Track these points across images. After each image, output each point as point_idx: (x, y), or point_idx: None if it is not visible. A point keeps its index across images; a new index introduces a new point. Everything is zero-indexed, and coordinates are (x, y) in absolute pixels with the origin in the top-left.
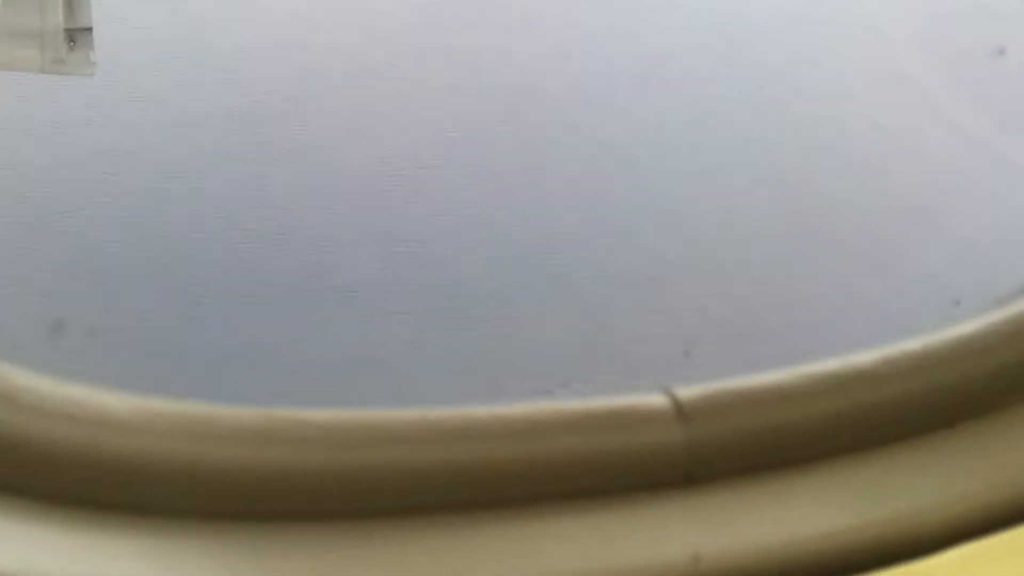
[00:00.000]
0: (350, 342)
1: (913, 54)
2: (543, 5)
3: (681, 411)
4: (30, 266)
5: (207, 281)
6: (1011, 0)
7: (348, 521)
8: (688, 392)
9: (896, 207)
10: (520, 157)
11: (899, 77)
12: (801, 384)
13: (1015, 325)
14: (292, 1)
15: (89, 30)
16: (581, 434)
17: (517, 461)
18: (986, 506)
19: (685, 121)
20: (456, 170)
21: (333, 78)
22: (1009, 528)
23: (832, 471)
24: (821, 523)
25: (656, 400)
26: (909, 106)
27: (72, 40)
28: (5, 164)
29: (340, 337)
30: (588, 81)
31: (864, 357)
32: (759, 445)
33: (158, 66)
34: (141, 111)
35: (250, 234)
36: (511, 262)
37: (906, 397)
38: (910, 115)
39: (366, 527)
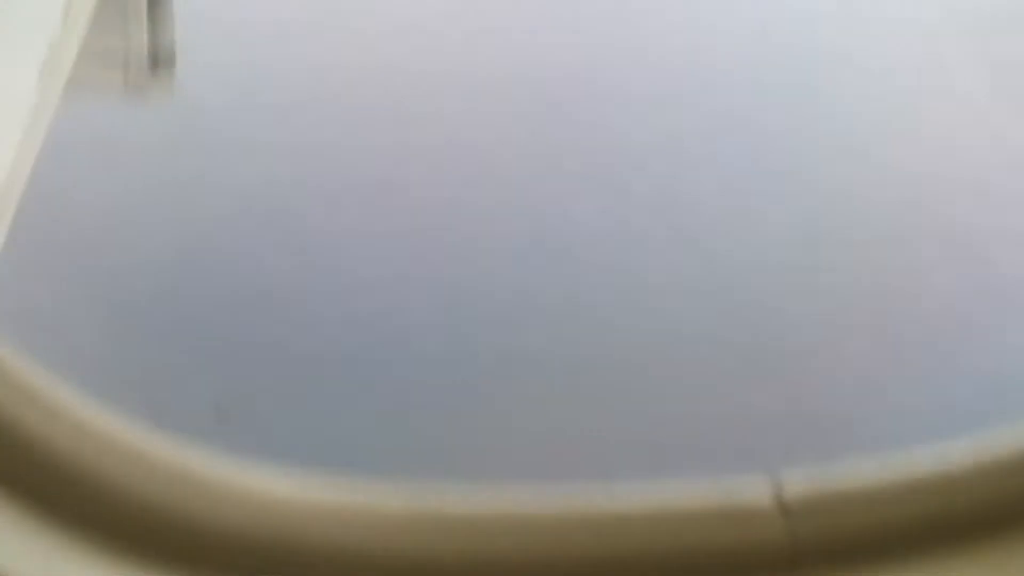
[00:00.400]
0: None
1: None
2: None
3: (785, 507)
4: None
5: None
6: None
7: None
8: (793, 486)
9: None
10: None
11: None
12: (899, 484)
13: None
14: None
15: (172, 54)
16: (692, 531)
17: (628, 556)
18: None
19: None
20: None
21: None
22: None
23: (931, 567)
24: None
25: (761, 492)
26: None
27: (155, 63)
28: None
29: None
30: None
31: (958, 454)
32: (861, 543)
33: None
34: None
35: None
36: None
37: (998, 498)
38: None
39: None
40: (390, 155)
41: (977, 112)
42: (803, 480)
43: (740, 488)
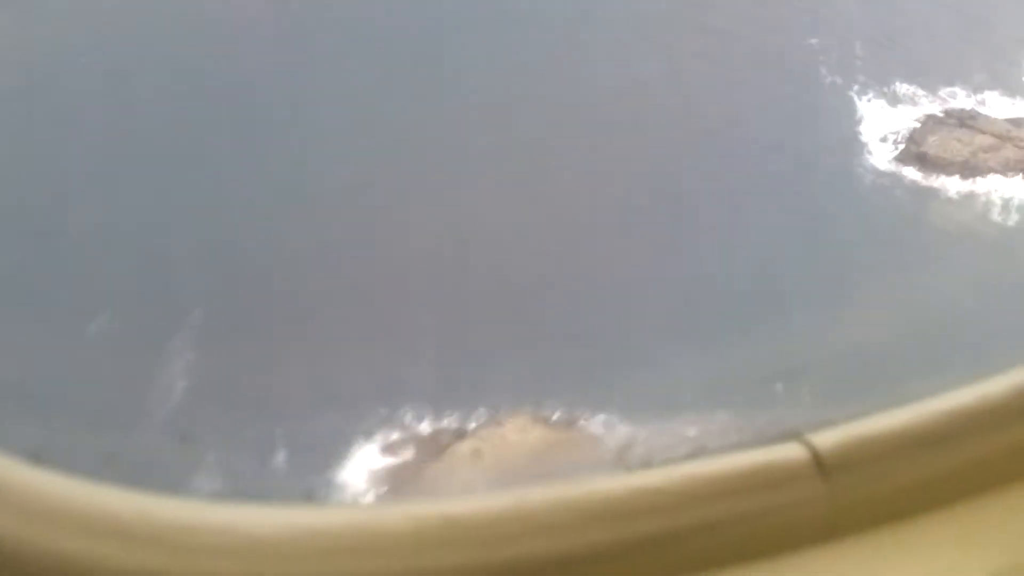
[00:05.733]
0: None
1: None
2: None
3: (822, 466)
4: None
5: None
6: None
7: None
8: (825, 442)
9: None
10: None
11: None
12: (935, 425)
13: None
14: None
15: None
16: (731, 499)
17: (677, 529)
18: None
19: None
20: None
21: None
22: None
23: (974, 513)
24: (969, 571)
25: (797, 454)
26: None
27: None
28: None
29: None
30: None
31: (995, 386)
32: (898, 494)
33: None
34: None
35: None
36: None
37: None
38: None
39: None
40: None
41: None
42: (835, 439)
43: (778, 452)
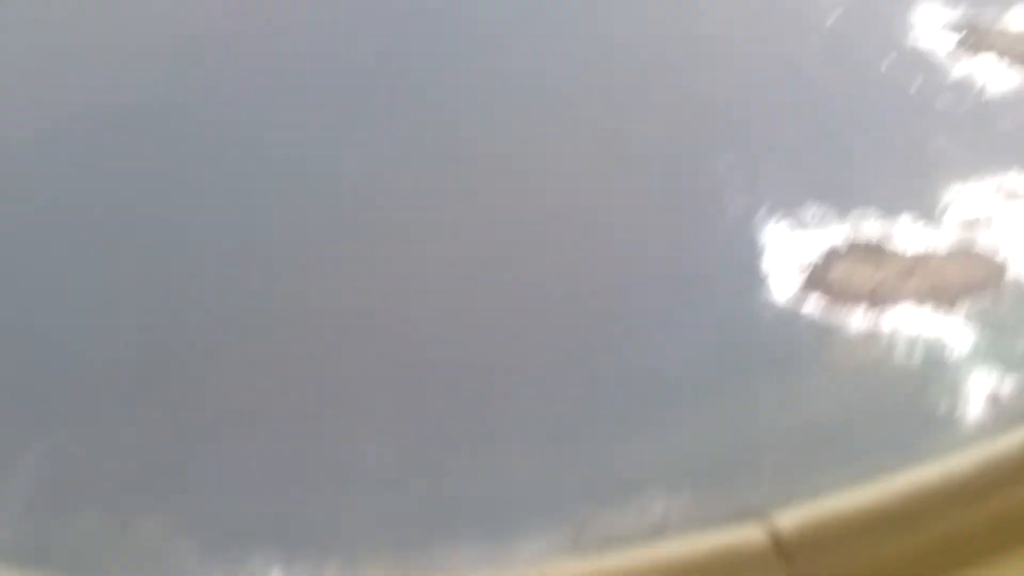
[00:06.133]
0: None
1: None
2: None
3: (782, 549)
4: None
5: None
6: None
7: None
8: (787, 524)
9: None
10: None
11: None
12: (900, 505)
13: None
14: None
15: None
16: None
17: None
18: None
19: None
20: None
21: None
22: None
23: None
24: None
25: (757, 537)
26: None
27: None
28: None
29: None
30: None
31: (961, 464)
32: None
33: None
34: None
35: None
36: None
37: (1012, 506)
38: None
39: None
40: None
41: None
42: (797, 519)
43: (737, 535)
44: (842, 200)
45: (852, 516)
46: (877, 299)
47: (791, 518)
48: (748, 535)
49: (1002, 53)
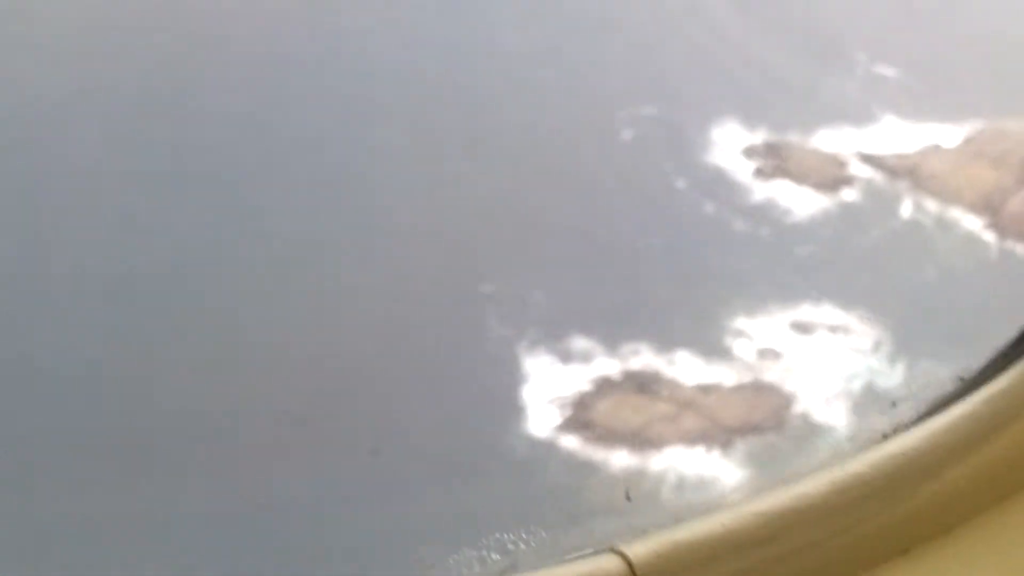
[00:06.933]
0: None
1: None
2: None
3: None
4: None
5: None
6: None
7: None
8: (638, 552)
9: None
10: None
11: None
12: (749, 527)
13: (956, 437)
14: None
15: None
16: None
17: None
18: None
19: None
20: None
21: None
22: None
23: None
24: None
25: (611, 564)
26: None
27: None
28: None
29: None
30: None
31: (812, 486)
32: None
33: None
34: None
35: None
36: None
37: (860, 527)
38: None
39: None
40: None
41: None
42: (649, 548)
43: (592, 564)
44: (618, 329)
45: (703, 542)
46: (644, 437)
47: (643, 547)
48: (603, 562)
49: (802, 179)
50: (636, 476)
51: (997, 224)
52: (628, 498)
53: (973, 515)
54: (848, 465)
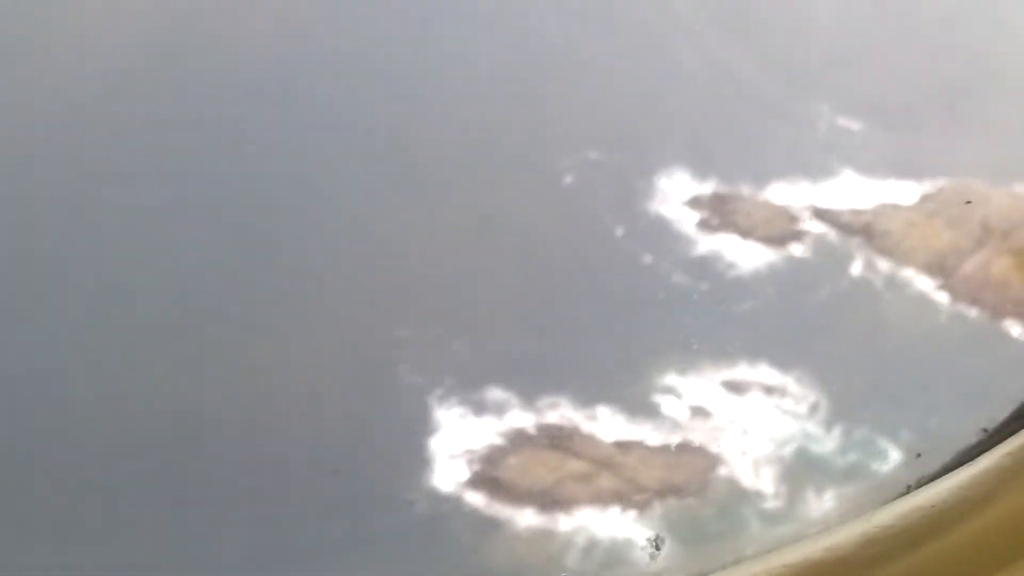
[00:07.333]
0: None
1: None
2: None
3: None
4: None
5: None
6: None
7: None
8: None
9: None
10: None
11: None
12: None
13: (980, 489)
14: None
15: None
16: None
17: None
18: None
19: None
20: None
21: None
22: None
23: None
24: None
25: None
26: None
27: None
28: None
29: None
30: None
31: (843, 537)
32: None
33: None
34: None
35: None
36: None
37: None
38: None
39: None
40: None
41: None
42: None
43: None
44: (539, 381)
45: None
46: (554, 497)
47: None
48: None
49: (749, 233)
50: (542, 537)
51: (949, 286)
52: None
53: (994, 570)
54: (874, 517)
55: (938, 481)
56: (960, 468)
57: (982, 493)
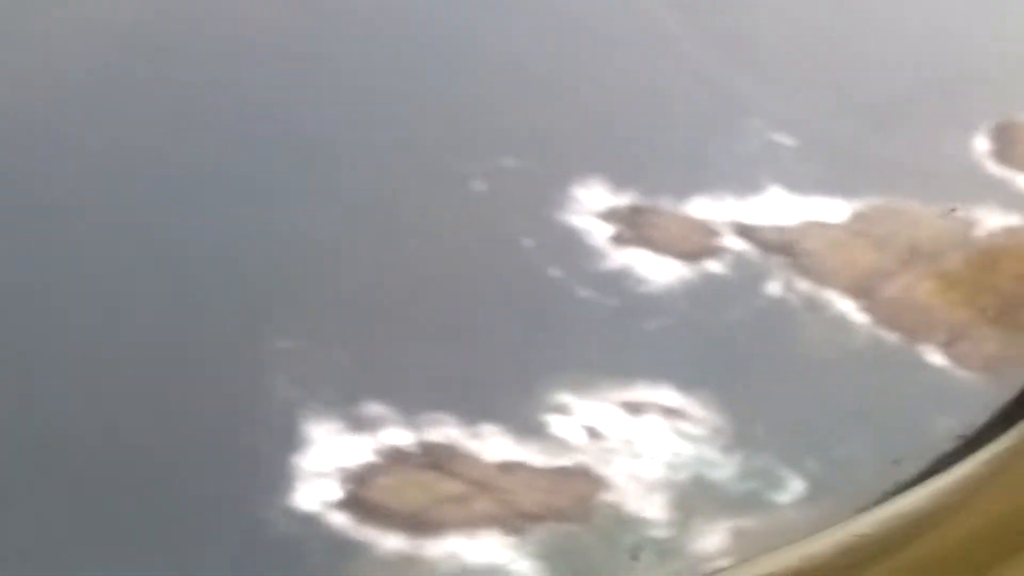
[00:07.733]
0: None
1: None
2: None
3: None
4: None
5: None
6: None
7: None
8: None
9: None
10: None
11: None
12: None
13: (958, 495)
14: None
15: None
16: None
17: None
18: None
19: None
20: None
21: None
22: None
23: None
24: None
25: None
26: None
27: None
28: None
29: None
30: None
31: (820, 546)
32: None
33: None
34: None
35: None
36: None
37: None
38: None
39: None
40: None
41: None
42: None
43: None
44: (422, 396)
45: None
46: (426, 519)
47: None
48: None
49: (664, 248)
50: (406, 563)
51: (870, 309)
52: None
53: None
54: (851, 525)
55: (915, 489)
56: (937, 476)
57: (958, 500)
